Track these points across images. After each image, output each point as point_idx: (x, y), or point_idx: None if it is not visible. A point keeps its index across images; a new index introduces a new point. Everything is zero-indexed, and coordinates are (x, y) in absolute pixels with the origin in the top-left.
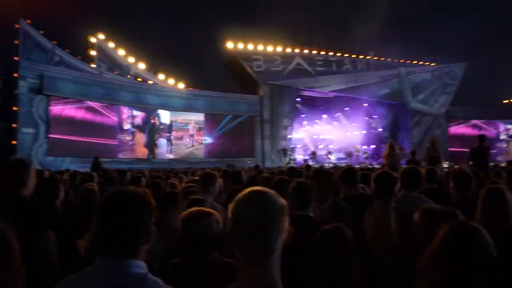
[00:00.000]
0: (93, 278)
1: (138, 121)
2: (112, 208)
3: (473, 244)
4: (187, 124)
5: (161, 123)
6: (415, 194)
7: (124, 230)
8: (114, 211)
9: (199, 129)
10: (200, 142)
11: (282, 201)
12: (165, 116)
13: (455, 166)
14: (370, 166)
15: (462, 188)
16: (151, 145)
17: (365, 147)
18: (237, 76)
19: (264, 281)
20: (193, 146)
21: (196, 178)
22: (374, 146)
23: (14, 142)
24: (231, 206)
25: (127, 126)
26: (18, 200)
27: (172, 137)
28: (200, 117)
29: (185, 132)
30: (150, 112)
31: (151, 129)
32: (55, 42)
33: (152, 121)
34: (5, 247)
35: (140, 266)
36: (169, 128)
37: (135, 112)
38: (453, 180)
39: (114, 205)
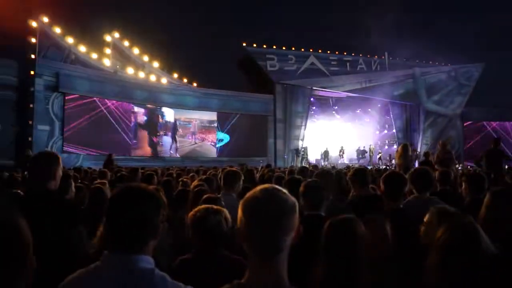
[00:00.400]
0: (101, 273)
1: (141, 118)
2: (121, 203)
3: (472, 244)
4: (189, 122)
5: (166, 121)
6: (427, 196)
7: (132, 225)
8: (122, 206)
9: (203, 128)
10: (202, 140)
11: (293, 199)
12: (169, 114)
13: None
14: (383, 167)
15: (475, 190)
16: (154, 142)
17: (379, 150)
18: (251, 75)
19: (273, 277)
20: (195, 143)
21: (206, 176)
22: (387, 147)
23: (30, 139)
24: (242, 203)
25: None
26: (48, 195)
27: (176, 135)
28: (204, 115)
29: (188, 130)
30: (154, 109)
31: (153, 127)
32: (71, 41)
33: (156, 119)
34: (17, 238)
35: (148, 261)
36: (174, 126)
37: (137, 109)
38: (466, 182)
39: (123, 200)
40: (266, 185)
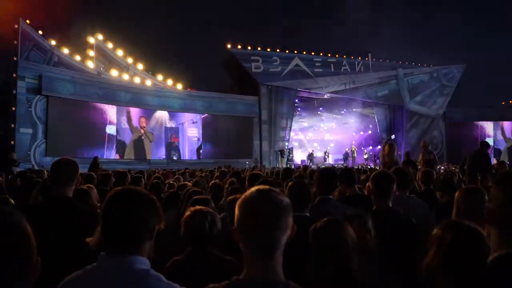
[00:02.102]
0: (98, 274)
1: (126, 120)
2: (117, 205)
3: (477, 248)
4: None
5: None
6: (406, 195)
7: (128, 227)
8: (119, 208)
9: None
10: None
11: (287, 199)
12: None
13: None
14: (368, 167)
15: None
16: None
17: (365, 150)
18: (236, 77)
19: (269, 274)
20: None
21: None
22: (371, 147)
23: (12, 142)
24: (238, 203)
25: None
26: (68, 202)
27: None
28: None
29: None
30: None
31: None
32: (54, 43)
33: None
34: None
35: (143, 262)
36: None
37: (121, 111)
38: (441, 183)
39: (120, 202)
40: (261, 186)
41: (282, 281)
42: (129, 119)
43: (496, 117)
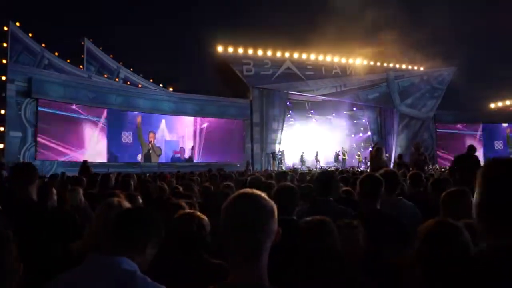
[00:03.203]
0: (85, 274)
1: (116, 123)
2: (122, 221)
3: (450, 241)
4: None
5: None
6: (394, 197)
7: (124, 237)
8: (122, 225)
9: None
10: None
11: (272, 203)
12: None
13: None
14: (358, 170)
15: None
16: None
17: (358, 152)
18: (227, 80)
19: (254, 279)
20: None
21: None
22: (362, 150)
23: (2, 145)
24: (223, 208)
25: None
26: (33, 205)
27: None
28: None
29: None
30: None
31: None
32: (44, 45)
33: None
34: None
35: (130, 264)
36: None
37: (111, 114)
38: (431, 184)
39: (125, 219)
40: (245, 190)
41: (267, 285)
42: (139, 135)
43: (486, 120)
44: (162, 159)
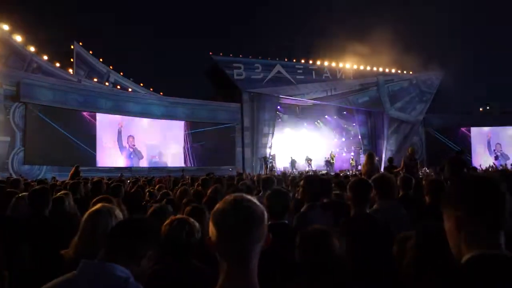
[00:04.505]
0: (78, 280)
1: (106, 128)
2: (124, 232)
3: (443, 246)
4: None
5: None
6: (388, 201)
7: (120, 246)
8: (120, 234)
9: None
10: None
11: (261, 208)
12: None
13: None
14: (348, 174)
15: (434, 195)
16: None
17: (351, 156)
18: (218, 84)
19: (244, 284)
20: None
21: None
22: (353, 154)
23: None
24: (212, 214)
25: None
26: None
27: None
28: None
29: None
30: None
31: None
32: (33, 49)
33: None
34: None
35: (123, 271)
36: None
37: (101, 118)
38: (428, 187)
39: (127, 228)
40: (234, 195)
41: None
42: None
43: (475, 123)
44: (144, 163)
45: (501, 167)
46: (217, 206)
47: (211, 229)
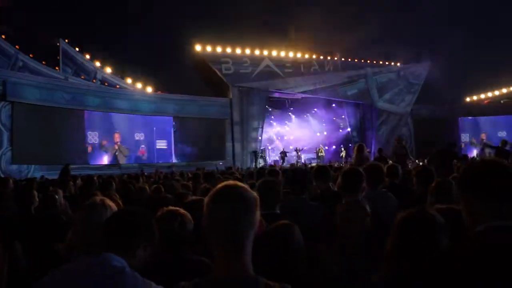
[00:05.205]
0: (74, 271)
1: (94, 125)
2: (114, 222)
3: (426, 231)
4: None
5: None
6: (378, 190)
7: (116, 236)
8: (114, 224)
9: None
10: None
11: (254, 195)
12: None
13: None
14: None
15: (424, 184)
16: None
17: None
18: (207, 79)
19: (238, 269)
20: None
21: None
22: (342, 146)
23: None
24: (206, 201)
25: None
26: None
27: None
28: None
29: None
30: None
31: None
32: (18, 47)
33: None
34: None
35: (119, 261)
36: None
37: (89, 116)
38: (416, 176)
39: (117, 220)
40: (227, 182)
41: (252, 276)
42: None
43: (463, 114)
44: (131, 160)
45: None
46: (211, 193)
47: (205, 216)
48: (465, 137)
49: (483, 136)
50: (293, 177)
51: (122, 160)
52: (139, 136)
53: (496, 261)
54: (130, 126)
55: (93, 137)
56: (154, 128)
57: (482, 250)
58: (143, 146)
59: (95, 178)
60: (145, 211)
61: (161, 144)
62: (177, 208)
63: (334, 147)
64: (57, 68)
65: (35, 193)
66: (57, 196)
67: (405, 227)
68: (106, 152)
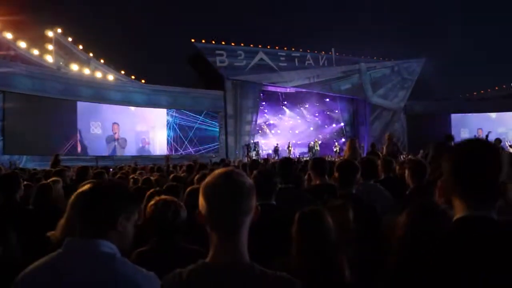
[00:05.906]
0: (63, 258)
1: (86, 117)
2: (91, 196)
3: (434, 223)
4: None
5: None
6: (371, 183)
7: (97, 216)
8: (91, 199)
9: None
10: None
11: (250, 181)
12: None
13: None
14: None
15: (418, 177)
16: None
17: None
18: (201, 71)
19: (234, 255)
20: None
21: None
22: (335, 140)
23: None
24: (202, 186)
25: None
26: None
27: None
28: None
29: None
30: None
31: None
32: (10, 36)
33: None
34: None
35: (109, 246)
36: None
37: (81, 107)
38: (409, 169)
39: (94, 194)
40: (224, 168)
41: (248, 262)
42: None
43: (456, 110)
44: (132, 151)
45: None
46: (207, 179)
47: (201, 202)
48: (462, 133)
49: (480, 132)
50: (282, 169)
51: (120, 152)
52: (134, 127)
53: (462, 250)
54: (124, 118)
55: (85, 127)
56: (148, 120)
57: (452, 239)
58: (144, 137)
59: (90, 169)
60: (114, 181)
61: (155, 137)
62: (171, 197)
63: (327, 140)
64: (49, 57)
65: (21, 180)
66: (58, 186)
67: (414, 220)
68: (98, 143)
